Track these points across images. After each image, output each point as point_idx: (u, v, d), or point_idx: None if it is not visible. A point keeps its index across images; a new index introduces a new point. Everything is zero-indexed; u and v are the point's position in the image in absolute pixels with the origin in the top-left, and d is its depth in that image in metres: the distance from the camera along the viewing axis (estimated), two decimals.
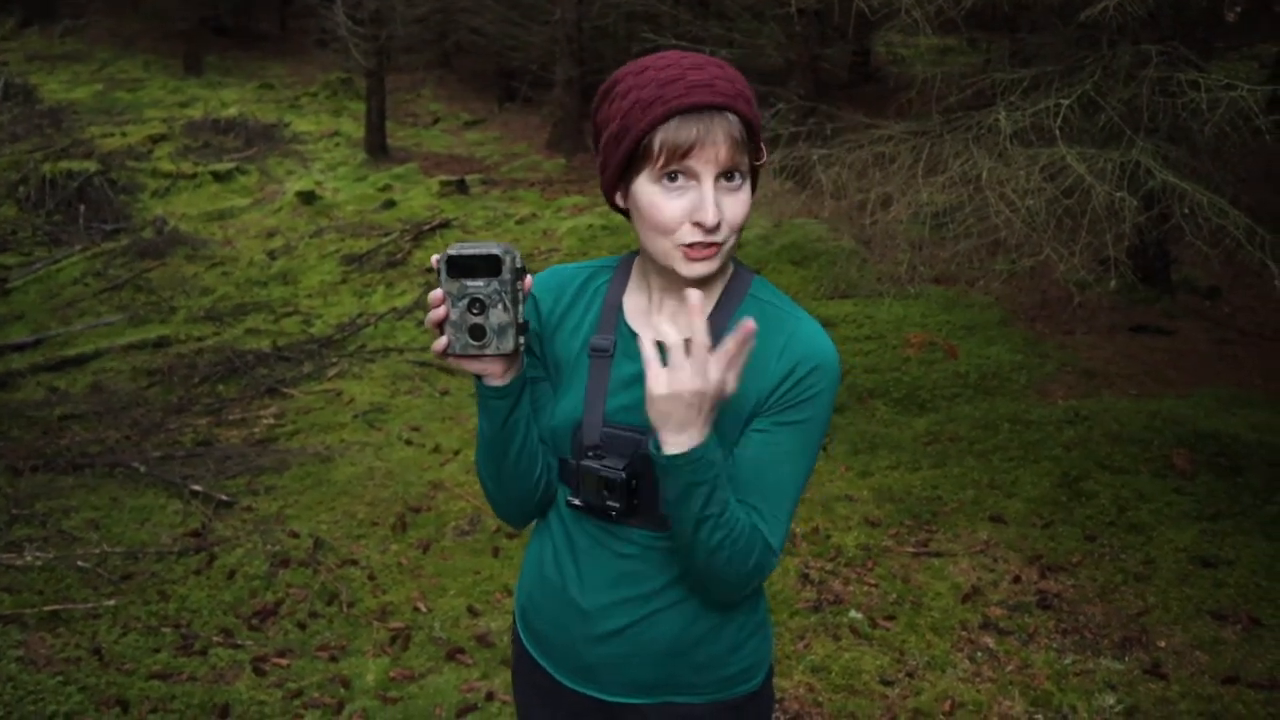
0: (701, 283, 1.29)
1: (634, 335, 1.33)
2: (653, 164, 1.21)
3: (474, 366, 1.23)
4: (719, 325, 1.31)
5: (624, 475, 1.28)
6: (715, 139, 1.19)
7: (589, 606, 1.36)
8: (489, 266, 1.17)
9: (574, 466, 1.34)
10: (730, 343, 1.13)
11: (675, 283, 1.31)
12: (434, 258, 1.18)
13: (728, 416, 1.28)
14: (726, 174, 1.22)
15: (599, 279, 1.41)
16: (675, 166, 1.21)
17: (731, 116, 1.20)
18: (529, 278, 1.20)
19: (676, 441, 1.16)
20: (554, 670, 1.44)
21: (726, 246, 1.25)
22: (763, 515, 1.27)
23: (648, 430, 1.27)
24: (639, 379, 1.29)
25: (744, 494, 1.27)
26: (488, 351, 1.19)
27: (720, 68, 1.23)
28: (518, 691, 1.55)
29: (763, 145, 1.26)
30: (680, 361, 1.13)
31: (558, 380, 1.39)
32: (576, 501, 1.33)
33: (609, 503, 1.30)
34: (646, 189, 1.23)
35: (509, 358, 1.23)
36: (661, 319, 1.22)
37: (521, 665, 1.51)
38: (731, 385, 1.14)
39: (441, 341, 1.20)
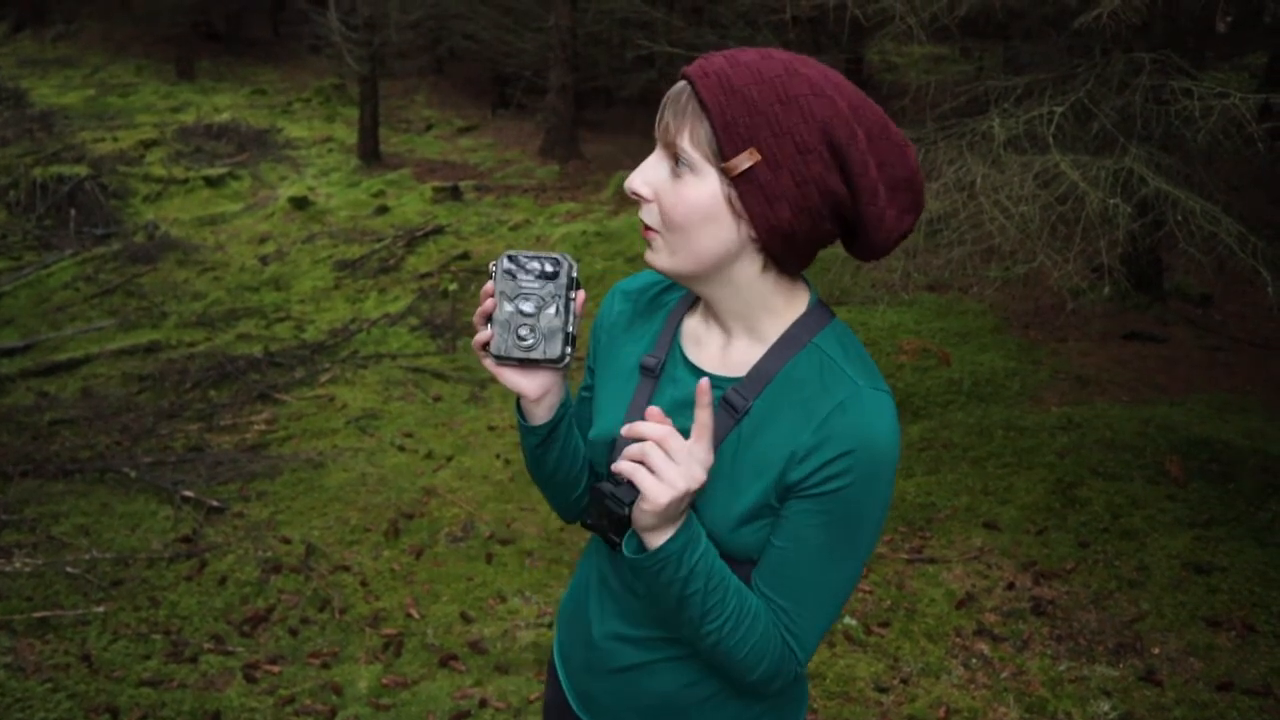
0: (724, 305, 1.17)
1: (682, 356, 1.24)
2: None
3: (512, 379, 1.17)
4: (766, 373, 1.15)
5: (626, 511, 1.15)
6: (665, 110, 1.10)
7: (596, 636, 1.30)
8: (548, 270, 1.15)
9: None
10: (702, 414, 1.05)
11: (711, 305, 1.20)
12: (491, 264, 1.16)
13: (743, 469, 1.14)
14: (675, 157, 1.09)
15: (675, 291, 1.31)
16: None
17: (691, 93, 1.08)
18: (581, 292, 1.15)
19: (665, 533, 1.09)
20: (566, 687, 1.38)
21: (665, 243, 1.12)
22: (790, 617, 1.14)
23: None
24: (681, 405, 1.20)
25: (769, 589, 1.14)
26: (534, 355, 1.14)
27: (760, 57, 1.08)
28: (546, 689, 1.49)
29: (749, 152, 1.06)
30: (663, 462, 1.05)
31: (606, 386, 1.30)
32: (591, 521, 1.23)
33: (609, 535, 1.19)
34: None
35: (551, 372, 1.19)
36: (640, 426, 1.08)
37: (551, 669, 1.46)
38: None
39: (484, 335, 1.15)
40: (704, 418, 1.05)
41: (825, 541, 1.10)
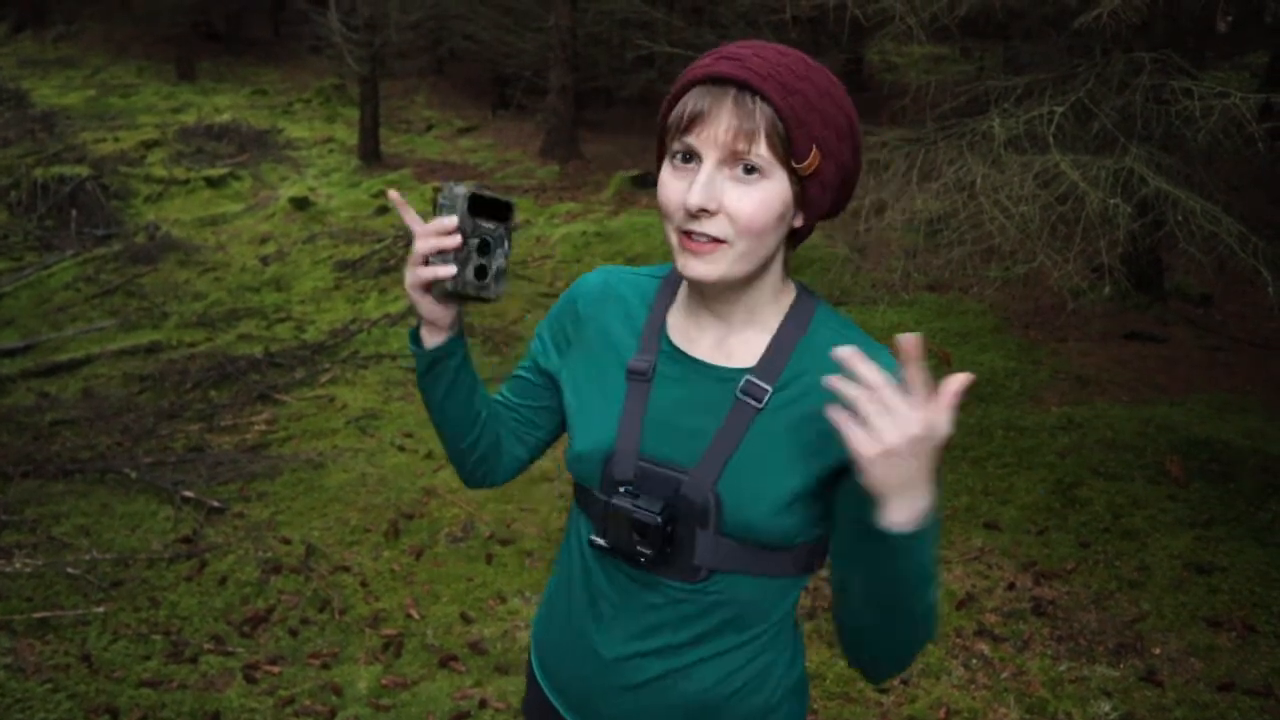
0: (739, 297, 1.17)
1: (676, 353, 1.22)
2: (668, 140, 1.12)
3: (432, 308, 1.19)
4: (779, 358, 1.17)
5: (660, 520, 1.14)
6: (720, 115, 1.06)
7: (611, 656, 1.24)
8: (501, 211, 1.19)
9: (602, 503, 1.20)
10: (912, 371, 0.96)
11: (715, 296, 1.18)
12: (448, 188, 1.15)
13: (782, 453, 1.14)
14: (740, 164, 1.08)
15: (647, 288, 1.28)
16: (679, 144, 1.10)
17: (754, 98, 1.06)
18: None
19: (909, 509, 0.98)
20: (567, 713, 1.33)
21: (735, 250, 1.10)
22: None
23: (686, 467, 1.16)
24: (687, 404, 1.19)
25: None
26: (485, 294, 1.18)
27: (780, 53, 1.10)
28: (528, 696, 1.44)
29: (814, 149, 1.08)
30: (880, 410, 0.95)
31: (588, 396, 1.26)
32: (601, 542, 1.20)
33: (639, 548, 1.16)
34: (663, 169, 1.14)
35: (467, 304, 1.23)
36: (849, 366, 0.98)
37: (533, 697, 1.40)
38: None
39: (446, 270, 1.13)
40: (914, 374, 0.96)
41: None
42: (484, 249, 1.17)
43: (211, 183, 10.57)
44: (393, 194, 1.22)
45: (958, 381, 0.97)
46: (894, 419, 0.95)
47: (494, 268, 1.18)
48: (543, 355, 1.34)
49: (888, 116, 5.66)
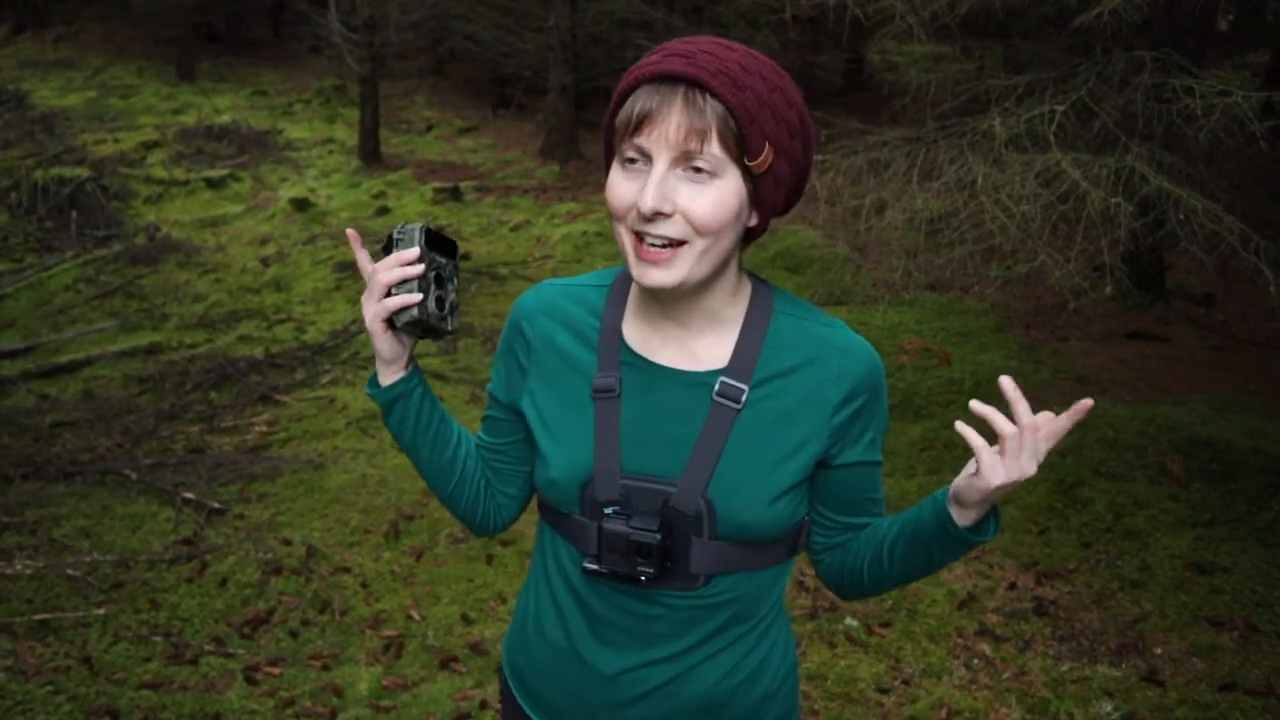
0: (698, 301, 1.15)
1: (640, 362, 1.19)
2: (617, 141, 1.10)
3: (390, 345, 1.19)
4: (749, 355, 1.16)
5: (659, 538, 1.13)
6: (670, 114, 1.03)
7: (611, 672, 1.22)
8: (449, 248, 1.22)
9: (594, 529, 1.17)
10: (1066, 420, 1.08)
11: (674, 302, 1.15)
12: (402, 225, 1.18)
13: (770, 448, 1.16)
14: (692, 163, 1.05)
15: (593, 300, 1.24)
16: (628, 145, 1.07)
17: (703, 95, 1.03)
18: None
19: (982, 514, 1.15)
20: None
21: (694, 250, 1.07)
22: (881, 515, 1.30)
23: (671, 478, 1.16)
24: (662, 413, 1.17)
25: (868, 517, 1.27)
26: (445, 326, 1.20)
27: (726, 48, 1.07)
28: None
29: (767, 146, 1.06)
30: (1016, 449, 1.08)
31: (555, 421, 1.22)
32: (596, 567, 1.17)
33: (641, 568, 1.14)
34: (612, 170, 1.11)
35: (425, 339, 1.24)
36: (976, 403, 1.11)
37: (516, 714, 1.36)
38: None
39: (418, 296, 1.14)
40: (1021, 412, 1.09)
41: (877, 449, 1.23)
42: (439, 282, 1.20)
43: (211, 184, 10.57)
44: (350, 232, 1.23)
45: (1075, 414, 1.08)
46: (1030, 455, 1.08)
47: (449, 301, 1.21)
48: (502, 390, 1.29)
49: (888, 116, 5.66)
